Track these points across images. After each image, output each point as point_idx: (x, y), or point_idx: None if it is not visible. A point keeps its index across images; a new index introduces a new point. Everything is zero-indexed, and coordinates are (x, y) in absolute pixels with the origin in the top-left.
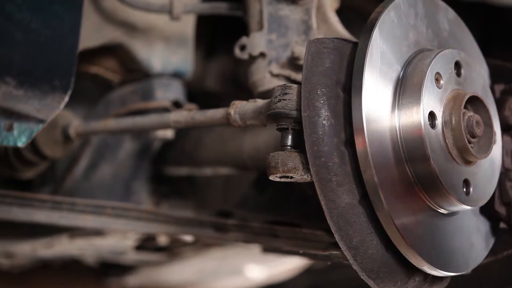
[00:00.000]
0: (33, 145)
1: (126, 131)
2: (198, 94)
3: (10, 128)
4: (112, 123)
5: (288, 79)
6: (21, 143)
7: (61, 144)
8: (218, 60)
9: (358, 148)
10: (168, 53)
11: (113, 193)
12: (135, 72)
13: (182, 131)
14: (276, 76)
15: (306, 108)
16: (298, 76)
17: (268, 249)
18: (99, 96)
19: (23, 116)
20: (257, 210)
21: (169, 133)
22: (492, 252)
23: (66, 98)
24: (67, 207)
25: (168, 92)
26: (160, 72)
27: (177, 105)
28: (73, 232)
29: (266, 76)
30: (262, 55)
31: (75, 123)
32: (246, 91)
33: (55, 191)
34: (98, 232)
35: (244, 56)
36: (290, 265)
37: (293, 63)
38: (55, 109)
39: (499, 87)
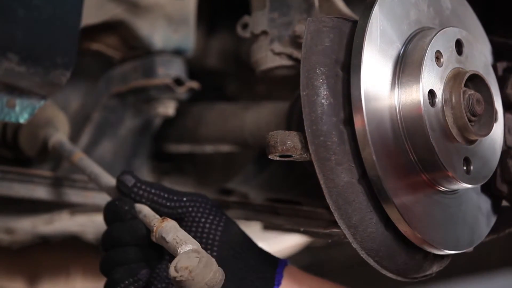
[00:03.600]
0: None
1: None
2: (199, 72)
3: (12, 105)
4: (78, 159)
5: (290, 57)
6: (23, 119)
7: (37, 147)
8: (219, 38)
9: (357, 126)
10: (170, 30)
11: (114, 170)
12: (137, 49)
13: (183, 109)
14: (278, 54)
15: (305, 87)
16: (300, 54)
17: (269, 227)
18: (101, 73)
19: (25, 92)
20: (258, 188)
21: (170, 110)
22: (493, 230)
23: (68, 75)
24: (67, 183)
25: (169, 69)
26: (162, 49)
27: (178, 82)
28: (73, 208)
29: (268, 54)
30: (264, 33)
31: (56, 137)
32: (248, 69)
33: (55, 167)
34: (98, 209)
35: (246, 34)
36: (290, 242)
37: (295, 41)
38: (58, 85)
39: (501, 65)
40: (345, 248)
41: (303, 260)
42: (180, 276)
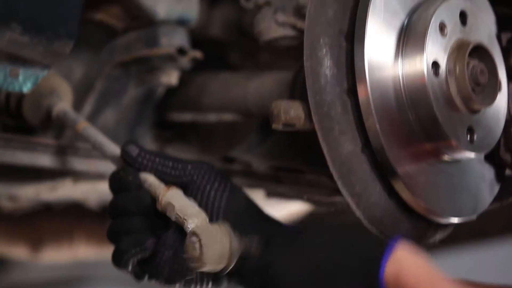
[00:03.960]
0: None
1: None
2: (202, 41)
3: (15, 74)
4: (82, 128)
5: (294, 27)
6: (26, 88)
7: (41, 116)
8: (222, 8)
9: (360, 96)
10: (173, 0)
11: (117, 138)
12: (140, 19)
13: (186, 78)
14: (282, 25)
15: (308, 57)
16: (303, 25)
17: (272, 194)
18: (104, 42)
19: (28, 62)
20: (261, 156)
21: (173, 80)
22: (497, 198)
23: (71, 45)
24: (71, 151)
25: (173, 39)
26: (165, 19)
27: (181, 52)
28: (77, 176)
29: (271, 25)
30: (268, 4)
31: (60, 106)
32: (251, 39)
33: (58, 136)
34: (101, 176)
35: (250, 5)
36: (293, 209)
37: (298, 12)
38: (61, 55)
39: (505, 36)
40: (348, 215)
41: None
42: (195, 265)
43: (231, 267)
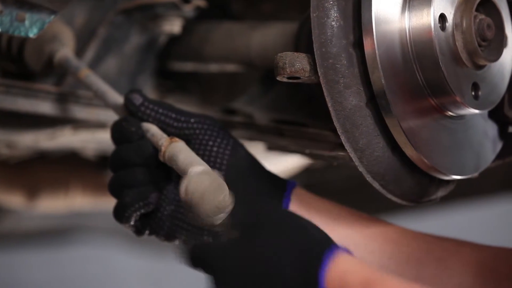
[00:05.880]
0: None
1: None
2: None
3: (22, 19)
4: (84, 75)
5: None
6: (32, 33)
7: (43, 62)
8: None
9: (366, 49)
10: None
11: (118, 86)
12: None
13: (190, 27)
14: None
15: (315, 8)
16: None
17: (273, 148)
18: None
19: (35, 6)
20: (263, 109)
21: (176, 28)
22: (499, 156)
23: None
24: (72, 99)
25: None
26: None
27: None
28: (77, 124)
29: None
30: None
31: (62, 53)
32: None
33: (59, 83)
34: (102, 125)
35: None
36: (291, 164)
37: None
38: (67, 1)
39: None
40: (343, 170)
41: (301, 182)
42: (191, 198)
43: (213, 224)
